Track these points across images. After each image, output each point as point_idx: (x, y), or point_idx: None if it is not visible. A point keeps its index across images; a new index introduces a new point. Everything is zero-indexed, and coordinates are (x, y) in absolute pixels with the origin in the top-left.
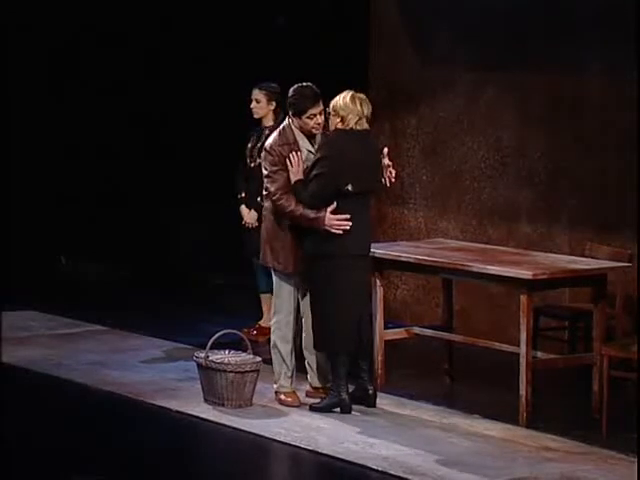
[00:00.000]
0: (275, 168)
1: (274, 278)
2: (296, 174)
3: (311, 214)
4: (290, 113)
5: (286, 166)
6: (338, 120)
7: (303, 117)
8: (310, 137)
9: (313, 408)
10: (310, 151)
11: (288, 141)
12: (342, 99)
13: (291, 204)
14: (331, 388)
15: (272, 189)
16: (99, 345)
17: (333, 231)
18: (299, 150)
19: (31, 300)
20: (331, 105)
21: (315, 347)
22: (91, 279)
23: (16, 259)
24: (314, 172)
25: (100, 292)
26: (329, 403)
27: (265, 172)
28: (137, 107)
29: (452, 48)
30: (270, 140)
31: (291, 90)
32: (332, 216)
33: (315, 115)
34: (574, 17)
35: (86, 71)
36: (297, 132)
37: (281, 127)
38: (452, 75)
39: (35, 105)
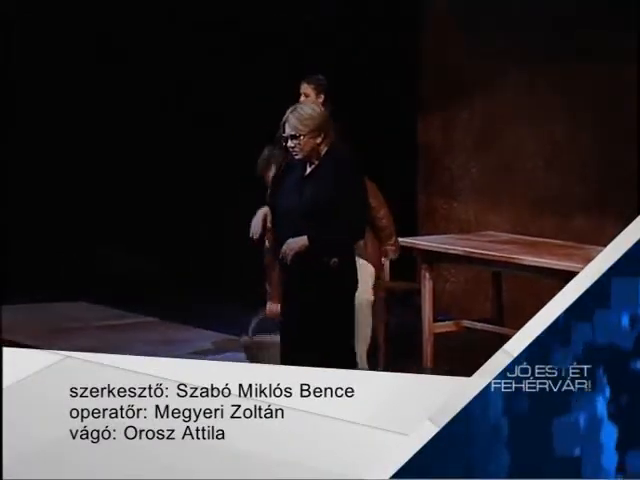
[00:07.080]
0: None
1: None
2: None
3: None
4: None
5: None
6: (320, 140)
7: None
8: None
9: None
10: None
11: None
12: (318, 111)
13: None
14: None
15: None
16: (149, 335)
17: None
18: None
19: (77, 291)
20: (309, 123)
21: None
22: (139, 271)
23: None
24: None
25: (148, 285)
26: None
27: None
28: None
29: (505, 39)
30: None
31: None
32: None
33: None
34: (627, 3)
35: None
36: None
37: None
38: (505, 66)
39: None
